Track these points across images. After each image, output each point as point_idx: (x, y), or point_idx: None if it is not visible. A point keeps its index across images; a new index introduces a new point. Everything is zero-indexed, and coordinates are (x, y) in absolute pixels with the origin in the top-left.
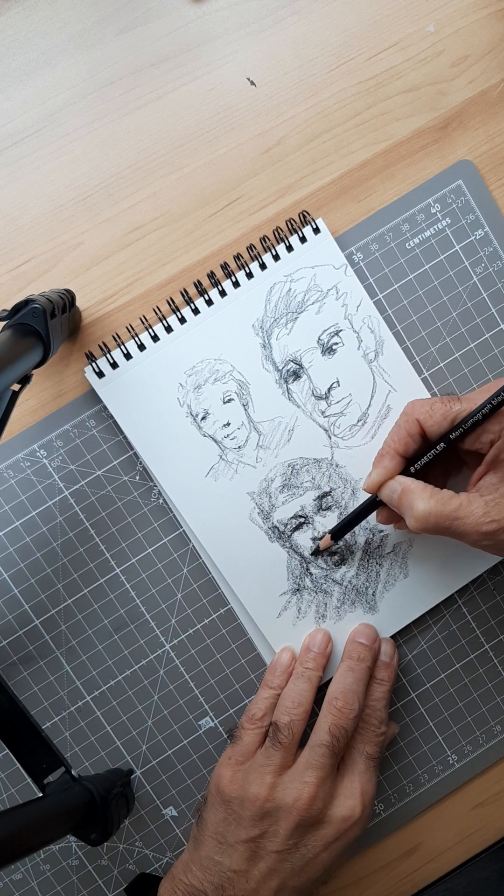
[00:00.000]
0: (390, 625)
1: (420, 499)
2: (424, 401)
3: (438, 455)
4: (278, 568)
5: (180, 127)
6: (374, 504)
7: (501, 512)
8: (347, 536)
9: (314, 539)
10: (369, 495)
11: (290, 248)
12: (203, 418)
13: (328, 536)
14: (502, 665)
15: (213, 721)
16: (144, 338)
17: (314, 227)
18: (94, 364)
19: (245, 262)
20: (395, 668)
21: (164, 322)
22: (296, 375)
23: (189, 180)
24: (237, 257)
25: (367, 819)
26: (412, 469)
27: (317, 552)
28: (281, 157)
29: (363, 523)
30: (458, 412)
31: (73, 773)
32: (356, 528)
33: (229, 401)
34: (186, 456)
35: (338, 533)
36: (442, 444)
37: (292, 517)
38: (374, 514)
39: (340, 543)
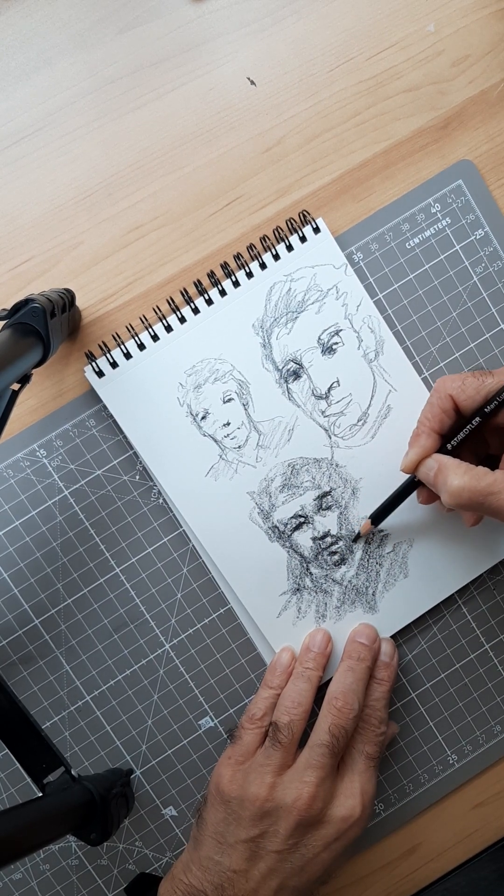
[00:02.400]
0: (390, 625)
1: (454, 474)
2: (455, 376)
3: (472, 432)
4: (278, 568)
5: (180, 126)
6: (412, 485)
7: None
8: (347, 536)
9: (314, 539)
10: (407, 476)
11: (290, 248)
12: (203, 418)
13: (368, 521)
14: (502, 665)
15: (212, 721)
16: (144, 337)
17: (314, 226)
18: (93, 363)
19: (245, 261)
20: (394, 668)
21: (164, 321)
22: (296, 375)
23: (189, 180)
24: (237, 257)
25: (367, 819)
26: (448, 447)
27: (357, 538)
28: (281, 156)
29: (363, 524)
30: (492, 386)
31: (72, 772)
32: (356, 528)
33: (229, 400)
34: (186, 455)
35: (378, 517)
36: (478, 419)
37: (292, 517)
38: (416, 494)
39: (335, 531)
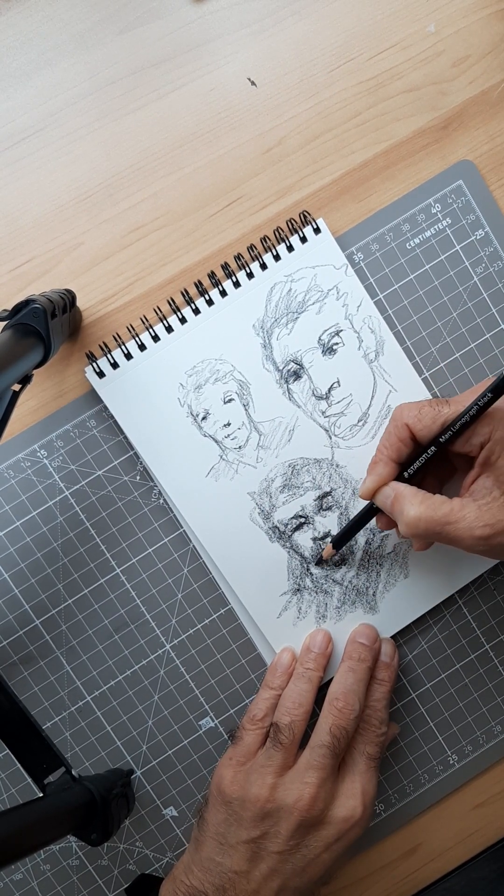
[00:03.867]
0: (391, 625)
1: (410, 504)
2: (412, 404)
3: (431, 459)
4: (279, 568)
5: (181, 127)
6: (371, 511)
7: (495, 516)
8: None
9: (315, 539)
10: (366, 504)
11: (290, 248)
12: (203, 418)
13: (329, 546)
14: (503, 665)
15: (213, 721)
16: (145, 338)
17: (315, 227)
18: (94, 364)
19: (246, 262)
20: (395, 669)
21: (164, 322)
22: (296, 375)
23: (190, 180)
24: (238, 257)
25: (368, 819)
26: (406, 474)
27: (320, 562)
28: (281, 157)
29: None
30: (448, 415)
31: (73, 773)
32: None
33: (230, 401)
34: (187, 456)
35: (339, 542)
36: (433, 448)
37: (293, 517)
38: (375, 520)
39: (320, 530)
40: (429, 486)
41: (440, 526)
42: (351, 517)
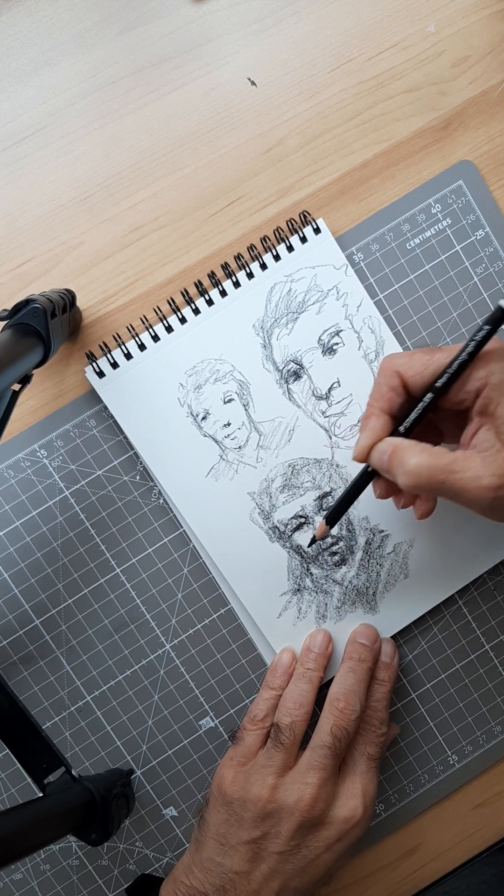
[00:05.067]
0: (391, 625)
1: (411, 453)
2: (402, 353)
3: (424, 413)
4: (279, 568)
5: (181, 127)
6: (366, 477)
7: (501, 466)
8: (347, 536)
9: (315, 539)
10: (360, 469)
11: (290, 249)
12: (203, 418)
13: (323, 523)
14: (503, 666)
15: (213, 721)
16: (145, 338)
17: (315, 227)
18: (94, 364)
19: (246, 262)
20: (395, 669)
21: (164, 322)
22: (296, 375)
23: (190, 180)
24: (238, 257)
25: (368, 819)
26: (401, 429)
27: (313, 541)
28: (281, 157)
29: (363, 524)
30: (441, 360)
31: (73, 773)
32: (356, 529)
33: (230, 401)
34: (187, 456)
35: (333, 517)
36: (430, 395)
37: (293, 517)
38: (372, 487)
39: (336, 531)
40: None
41: (445, 474)
42: (352, 515)
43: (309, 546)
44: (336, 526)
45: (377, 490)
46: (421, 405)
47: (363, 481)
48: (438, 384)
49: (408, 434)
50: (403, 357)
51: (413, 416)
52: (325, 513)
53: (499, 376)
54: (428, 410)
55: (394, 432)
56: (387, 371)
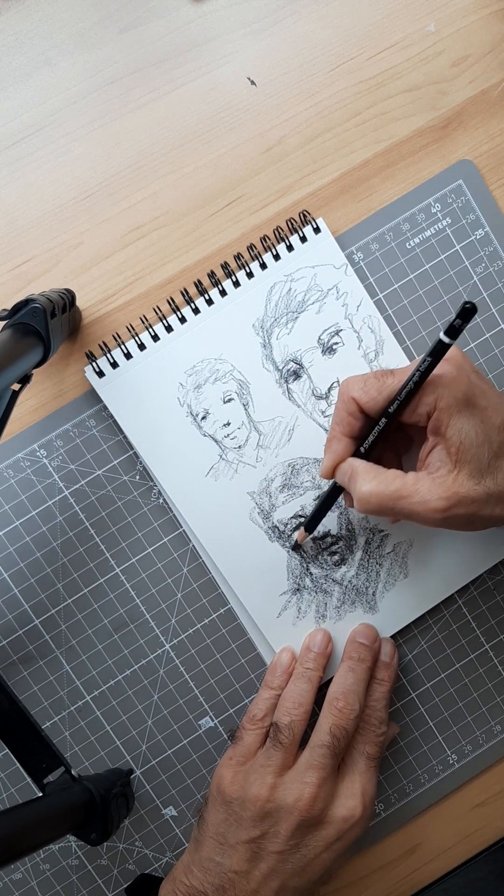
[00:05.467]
0: (390, 625)
1: (363, 480)
2: (358, 378)
3: (385, 432)
4: (278, 568)
5: (181, 126)
6: (336, 490)
7: (449, 489)
8: (347, 536)
9: (314, 539)
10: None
11: (290, 248)
12: (203, 418)
13: (302, 531)
14: (502, 665)
15: (212, 721)
16: (145, 337)
17: (314, 226)
18: (94, 363)
19: (245, 261)
20: (395, 669)
21: (164, 321)
22: (296, 375)
23: (189, 180)
24: (237, 257)
25: (367, 819)
26: (361, 450)
27: (296, 547)
28: (281, 156)
29: (364, 523)
30: (392, 386)
31: (72, 772)
32: (356, 528)
33: (229, 400)
34: (186, 455)
35: (310, 525)
36: (384, 420)
37: (292, 517)
38: (342, 498)
39: (336, 531)
40: (388, 460)
41: (392, 501)
42: (352, 515)
43: (292, 549)
44: (336, 526)
45: (347, 501)
46: (377, 429)
47: (333, 495)
48: (391, 409)
49: (368, 454)
50: (358, 383)
51: (370, 438)
52: (303, 522)
53: (446, 401)
54: (385, 432)
55: (356, 451)
56: (344, 397)
